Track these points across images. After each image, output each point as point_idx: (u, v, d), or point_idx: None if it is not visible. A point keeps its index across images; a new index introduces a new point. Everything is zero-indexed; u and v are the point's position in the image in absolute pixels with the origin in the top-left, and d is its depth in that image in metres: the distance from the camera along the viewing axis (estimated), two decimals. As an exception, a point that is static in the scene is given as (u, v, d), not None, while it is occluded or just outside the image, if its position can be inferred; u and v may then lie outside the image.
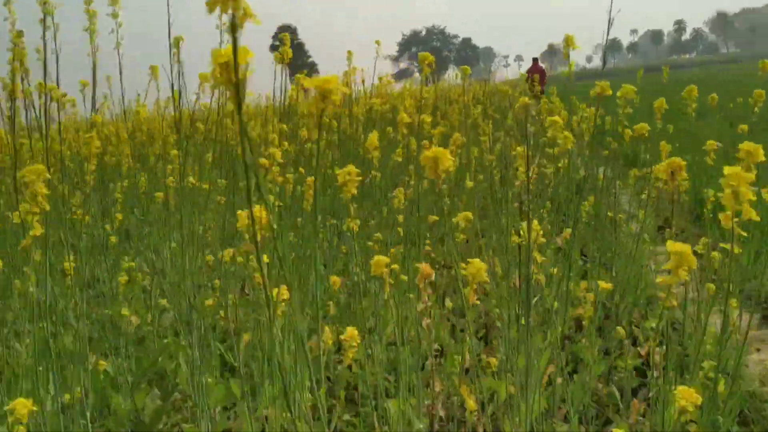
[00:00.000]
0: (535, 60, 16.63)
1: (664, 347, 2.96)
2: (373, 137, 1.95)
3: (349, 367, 2.86)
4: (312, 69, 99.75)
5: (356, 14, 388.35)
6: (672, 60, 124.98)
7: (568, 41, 1.68)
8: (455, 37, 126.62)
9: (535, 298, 2.81)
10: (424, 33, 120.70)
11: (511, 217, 2.59)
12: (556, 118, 1.68)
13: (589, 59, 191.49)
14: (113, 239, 3.18)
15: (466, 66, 2.36)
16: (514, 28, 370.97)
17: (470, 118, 5.57)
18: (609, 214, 2.87)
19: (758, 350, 2.85)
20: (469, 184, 2.91)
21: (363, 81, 4.57)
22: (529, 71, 15.69)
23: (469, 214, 2.04)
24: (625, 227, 3.39)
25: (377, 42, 4.02)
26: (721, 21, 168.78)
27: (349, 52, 4.19)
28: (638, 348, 2.83)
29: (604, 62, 1.64)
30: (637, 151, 5.29)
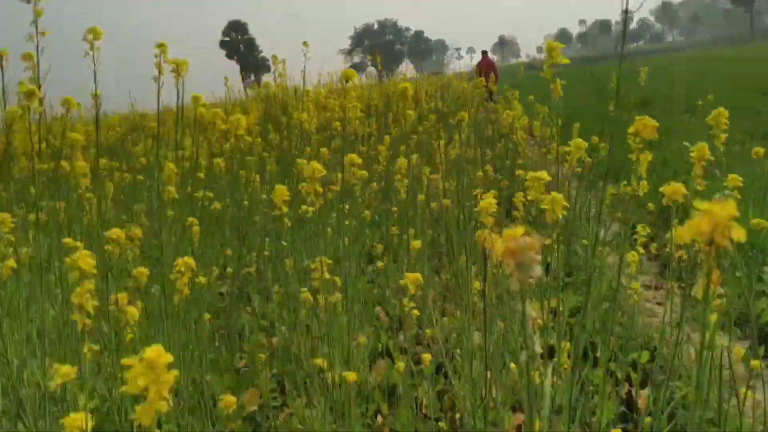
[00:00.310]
0: (484, 53, 16.31)
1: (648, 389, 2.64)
2: (280, 190, 1.54)
3: None
4: (263, 65, 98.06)
5: (308, 8, 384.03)
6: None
7: (552, 52, 1.30)
8: (407, 30, 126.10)
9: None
10: (376, 27, 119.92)
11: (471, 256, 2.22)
12: (541, 174, 1.30)
13: (539, 50, 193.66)
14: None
15: (407, 84, 1.94)
16: (465, 20, 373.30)
17: (423, 124, 5.19)
18: (584, 241, 2.56)
19: (749, 388, 2.55)
20: (416, 244, 2.48)
21: (296, 90, 4.12)
22: (479, 65, 15.38)
23: (419, 277, 1.66)
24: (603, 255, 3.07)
25: (305, 44, 3.59)
26: (666, 10, 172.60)
27: (275, 57, 3.74)
28: (617, 388, 2.50)
29: (624, 40, 1.29)
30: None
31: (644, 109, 13.67)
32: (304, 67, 3.43)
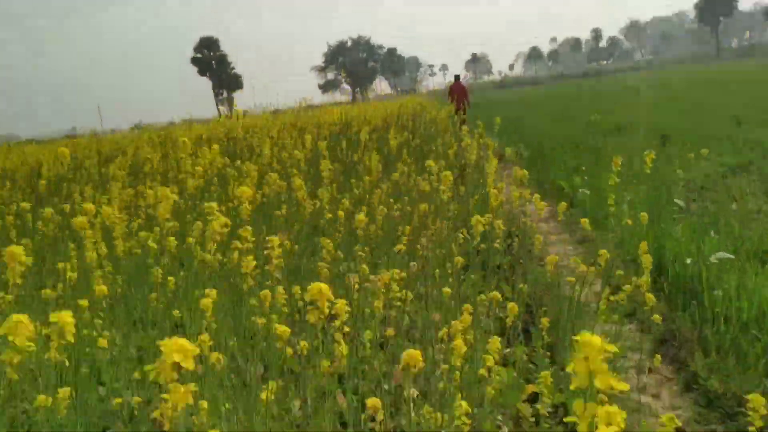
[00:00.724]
0: (456, 78, 16.21)
1: None
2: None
3: None
4: (236, 81, 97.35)
5: (280, 25, 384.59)
6: (592, 68, 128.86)
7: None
8: (381, 47, 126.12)
9: None
10: (350, 44, 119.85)
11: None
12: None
13: (511, 67, 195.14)
14: None
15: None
16: (438, 36, 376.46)
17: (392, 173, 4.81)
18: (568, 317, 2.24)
19: None
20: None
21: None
22: (451, 90, 15.31)
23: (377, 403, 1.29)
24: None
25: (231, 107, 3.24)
26: (635, 29, 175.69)
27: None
28: None
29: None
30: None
31: (618, 135, 13.35)
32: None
